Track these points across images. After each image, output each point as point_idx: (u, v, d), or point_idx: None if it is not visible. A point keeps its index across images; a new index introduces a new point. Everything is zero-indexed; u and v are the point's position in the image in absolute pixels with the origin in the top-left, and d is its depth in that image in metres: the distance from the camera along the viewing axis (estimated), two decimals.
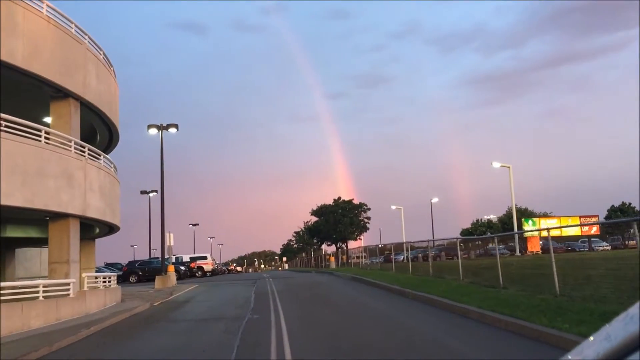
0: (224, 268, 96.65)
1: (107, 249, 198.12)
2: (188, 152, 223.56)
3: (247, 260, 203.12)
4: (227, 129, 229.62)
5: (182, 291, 27.66)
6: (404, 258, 70.13)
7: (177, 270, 47.68)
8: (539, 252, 43.26)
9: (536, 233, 46.26)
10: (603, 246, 60.70)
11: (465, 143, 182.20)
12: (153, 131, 33.75)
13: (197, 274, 55.10)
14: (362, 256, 58.87)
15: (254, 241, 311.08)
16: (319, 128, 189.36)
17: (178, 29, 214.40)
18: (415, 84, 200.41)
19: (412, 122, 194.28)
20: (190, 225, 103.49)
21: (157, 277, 32.29)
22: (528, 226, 48.17)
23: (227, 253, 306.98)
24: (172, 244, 34.70)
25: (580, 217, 49.29)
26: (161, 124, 33.70)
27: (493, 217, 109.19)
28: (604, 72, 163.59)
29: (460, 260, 18.93)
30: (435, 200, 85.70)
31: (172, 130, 33.85)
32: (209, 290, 27.86)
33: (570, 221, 48.32)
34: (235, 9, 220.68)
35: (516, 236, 43.89)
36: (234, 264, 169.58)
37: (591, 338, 0.95)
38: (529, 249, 46.15)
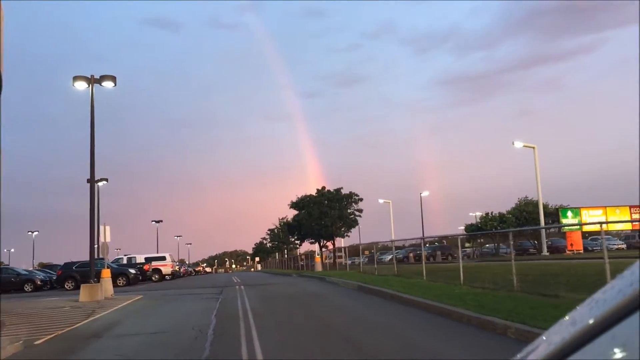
0: (190, 269, 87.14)
1: (69, 247, 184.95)
2: (158, 149, 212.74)
3: (217, 260, 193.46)
4: (199, 127, 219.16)
5: (112, 308, 18.65)
6: (392, 257, 61.88)
7: (125, 274, 38.54)
8: (581, 252, 35.29)
9: (595, 227, 37.58)
10: (618, 244, 53.45)
11: (445, 142, 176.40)
12: (81, 85, 24.54)
13: (153, 278, 45.85)
14: (343, 256, 50.72)
15: (226, 241, 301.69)
16: (293, 127, 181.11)
17: (152, 26, 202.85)
18: (390, 84, 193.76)
19: (387, 122, 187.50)
20: (154, 222, 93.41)
21: (82, 287, 23.24)
22: (568, 218, 40.00)
23: (197, 253, 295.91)
24: (108, 239, 25.56)
25: (630, 207, 41.54)
26: (92, 76, 24.52)
27: (478, 213, 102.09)
28: (575, 74, 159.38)
29: (607, 264, 10.30)
30: (425, 194, 78.05)
31: (108, 84, 24.68)
32: (151, 308, 18.91)
33: (618, 212, 40.45)
34: (211, 6, 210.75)
35: (543, 231, 35.82)
36: (204, 265, 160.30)
37: (558, 324, 0.93)
38: (569, 247, 38.10)
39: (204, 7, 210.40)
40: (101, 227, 25.03)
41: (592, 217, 39.61)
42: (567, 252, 37.74)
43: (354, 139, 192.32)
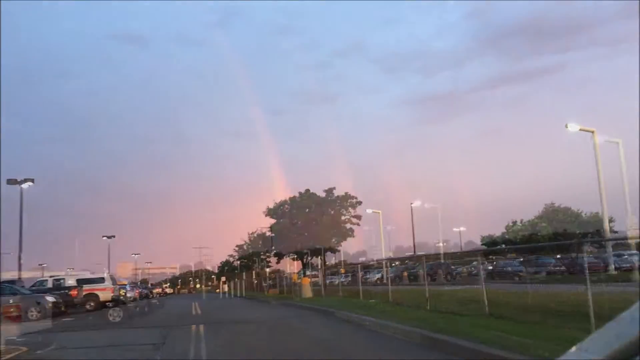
0: (146, 291, 75.71)
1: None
2: (123, 166, 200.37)
3: (181, 280, 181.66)
4: (166, 143, 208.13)
5: None
6: (382, 276, 51.44)
7: (39, 304, 27.71)
8: None
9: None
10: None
11: (418, 159, 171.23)
12: None
13: (87, 306, 35.04)
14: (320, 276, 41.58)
15: (190, 260, 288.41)
16: (262, 144, 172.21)
17: (120, 41, 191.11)
18: (359, 102, 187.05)
19: (356, 140, 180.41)
20: (105, 238, 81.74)
21: None
22: None
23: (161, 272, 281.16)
24: None
25: None
26: None
27: (462, 229, 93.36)
28: (540, 94, 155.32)
29: None
30: (417, 204, 69.26)
31: None
32: None
33: None
34: (179, 22, 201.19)
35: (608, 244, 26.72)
36: (166, 285, 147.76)
37: None
38: None
39: (174, 23, 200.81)
40: None
41: None
42: None
43: (324, 156, 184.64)
